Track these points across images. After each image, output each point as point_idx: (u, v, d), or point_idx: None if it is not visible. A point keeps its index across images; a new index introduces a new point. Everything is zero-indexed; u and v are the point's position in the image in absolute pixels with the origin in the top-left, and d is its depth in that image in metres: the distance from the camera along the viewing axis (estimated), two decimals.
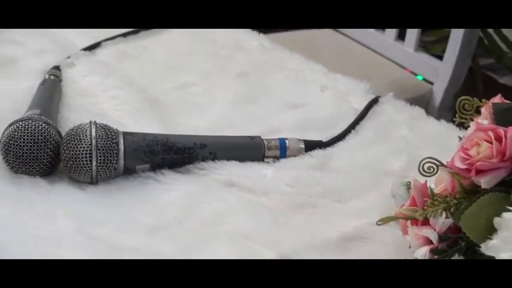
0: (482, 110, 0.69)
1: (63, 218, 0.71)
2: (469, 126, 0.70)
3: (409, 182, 0.74)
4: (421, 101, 1.61)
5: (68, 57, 1.03)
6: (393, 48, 1.73)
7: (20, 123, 0.76)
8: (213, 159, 0.81)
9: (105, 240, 0.69)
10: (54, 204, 0.73)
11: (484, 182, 0.62)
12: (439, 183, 0.68)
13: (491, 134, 0.63)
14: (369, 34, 1.78)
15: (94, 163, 0.75)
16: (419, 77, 1.74)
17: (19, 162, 0.75)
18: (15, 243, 0.67)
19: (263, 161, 0.83)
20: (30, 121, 0.76)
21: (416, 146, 0.88)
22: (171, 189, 0.77)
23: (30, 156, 0.75)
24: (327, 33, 1.88)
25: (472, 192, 0.64)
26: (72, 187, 0.76)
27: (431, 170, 0.69)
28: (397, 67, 1.73)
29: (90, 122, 0.77)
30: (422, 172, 0.69)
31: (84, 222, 0.71)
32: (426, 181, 0.68)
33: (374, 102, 0.96)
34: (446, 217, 0.63)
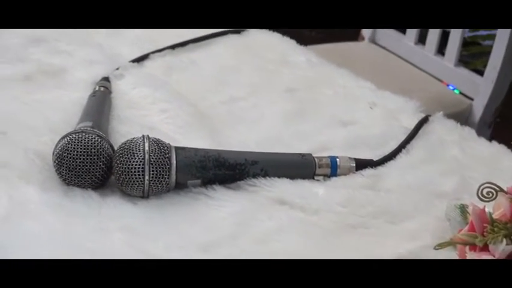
0: None
1: (115, 232, 0.72)
2: None
3: (463, 205, 0.74)
4: (461, 116, 1.59)
5: (117, 68, 1.03)
6: (433, 63, 1.71)
7: (74, 135, 0.77)
8: (264, 176, 0.81)
9: (157, 256, 0.69)
10: (106, 218, 0.73)
11: None
12: (497, 208, 0.68)
13: None
14: (408, 48, 1.77)
15: (146, 177, 0.75)
16: (457, 91, 1.72)
17: (72, 174, 0.76)
18: (67, 256, 0.67)
19: (313, 178, 0.83)
20: (84, 134, 0.77)
21: (468, 167, 0.87)
22: (223, 206, 0.77)
23: (83, 169, 0.76)
24: (364, 46, 1.88)
25: None
26: (124, 201, 0.76)
27: (490, 195, 0.68)
28: (436, 82, 1.72)
29: (143, 136, 0.77)
30: (481, 197, 0.68)
31: (136, 237, 0.71)
32: (484, 206, 0.67)
33: (424, 121, 0.95)
34: (507, 244, 0.63)
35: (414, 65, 1.76)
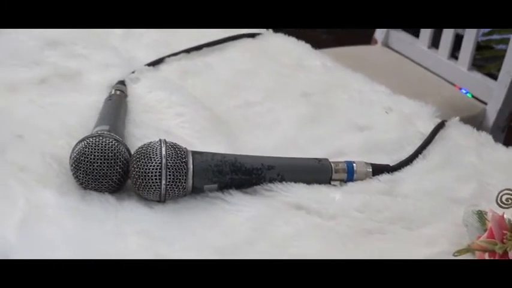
0: None
1: (131, 236, 0.72)
2: None
3: (481, 211, 0.73)
4: (474, 121, 1.59)
5: (133, 72, 1.03)
6: (446, 67, 1.71)
7: (91, 139, 0.77)
8: (280, 181, 0.80)
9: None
10: (123, 222, 0.74)
11: None
12: None
13: None
14: (421, 52, 1.77)
15: (163, 182, 0.75)
16: (469, 95, 1.72)
17: (89, 178, 0.76)
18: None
19: (330, 183, 0.83)
20: (101, 138, 0.77)
21: (486, 173, 0.86)
22: (240, 210, 0.77)
23: (100, 172, 0.76)
24: (378, 49, 1.87)
25: None
26: (140, 205, 0.76)
27: (510, 201, 0.67)
28: (449, 86, 1.71)
29: (160, 141, 0.77)
30: (500, 204, 0.68)
31: (152, 241, 0.72)
32: (504, 213, 0.67)
33: (440, 126, 0.95)
34: None
35: (427, 68, 1.76)
